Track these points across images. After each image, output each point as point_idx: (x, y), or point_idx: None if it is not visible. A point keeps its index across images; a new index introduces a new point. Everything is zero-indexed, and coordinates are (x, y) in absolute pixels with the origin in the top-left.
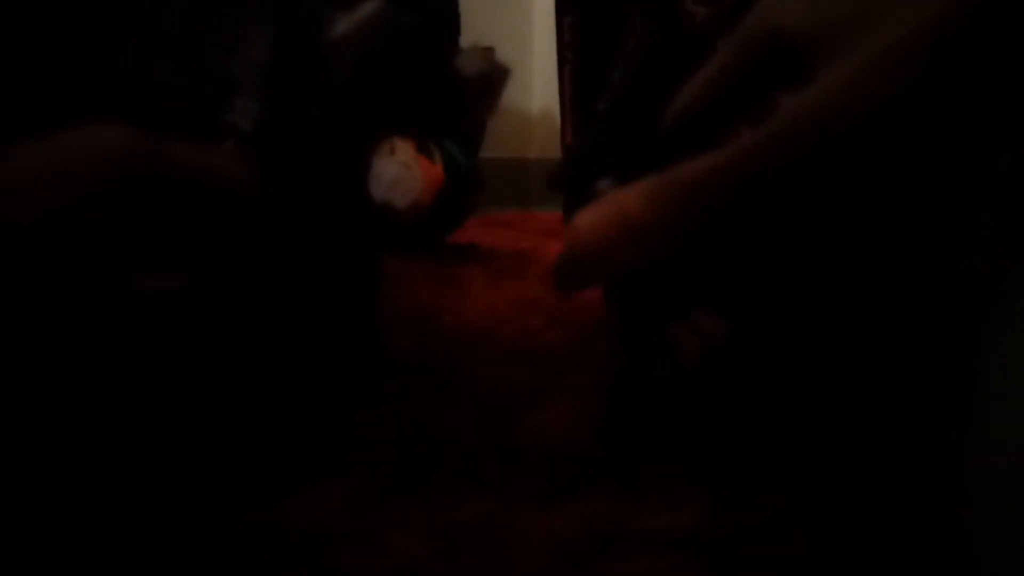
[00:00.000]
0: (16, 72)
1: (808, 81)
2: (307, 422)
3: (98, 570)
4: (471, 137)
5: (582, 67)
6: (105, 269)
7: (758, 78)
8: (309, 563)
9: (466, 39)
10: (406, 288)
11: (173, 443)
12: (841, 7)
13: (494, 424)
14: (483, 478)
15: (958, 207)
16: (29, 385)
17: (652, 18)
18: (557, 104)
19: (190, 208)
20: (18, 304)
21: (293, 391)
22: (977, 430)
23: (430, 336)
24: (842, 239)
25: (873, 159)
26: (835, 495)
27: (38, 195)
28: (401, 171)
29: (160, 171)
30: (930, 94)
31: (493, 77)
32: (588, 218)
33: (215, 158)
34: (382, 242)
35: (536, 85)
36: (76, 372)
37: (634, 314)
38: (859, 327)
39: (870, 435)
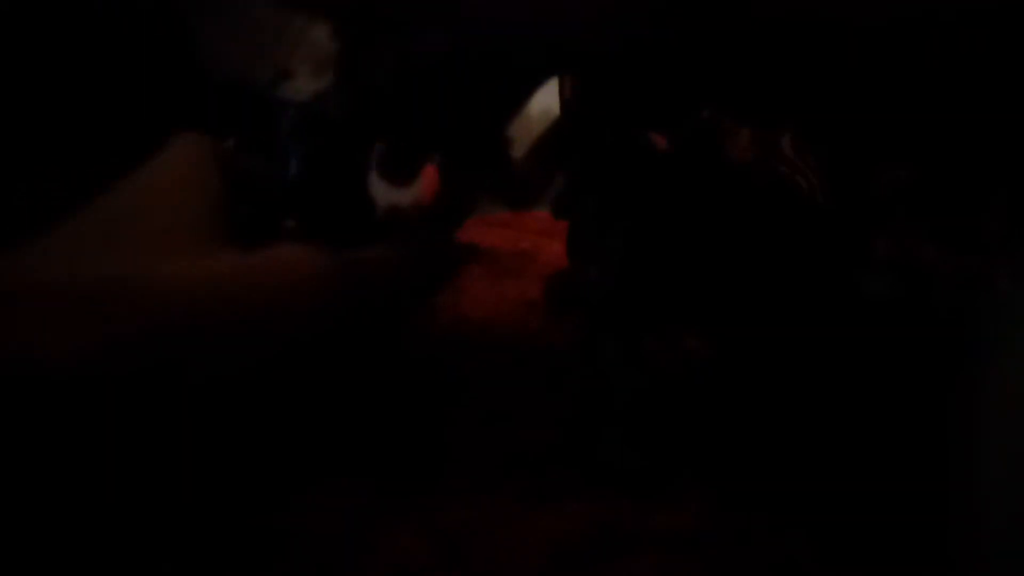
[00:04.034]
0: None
1: None
2: (307, 421)
3: (95, 569)
4: None
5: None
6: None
7: None
8: (309, 563)
9: None
10: None
11: (172, 442)
12: None
13: (494, 424)
14: (483, 478)
15: (958, 207)
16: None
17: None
18: (557, 104)
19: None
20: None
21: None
22: (978, 432)
23: (430, 335)
24: (838, 249)
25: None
26: (836, 496)
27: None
28: None
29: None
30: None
31: None
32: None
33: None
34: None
35: None
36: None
37: (604, 322)
38: (853, 339)
39: (864, 441)
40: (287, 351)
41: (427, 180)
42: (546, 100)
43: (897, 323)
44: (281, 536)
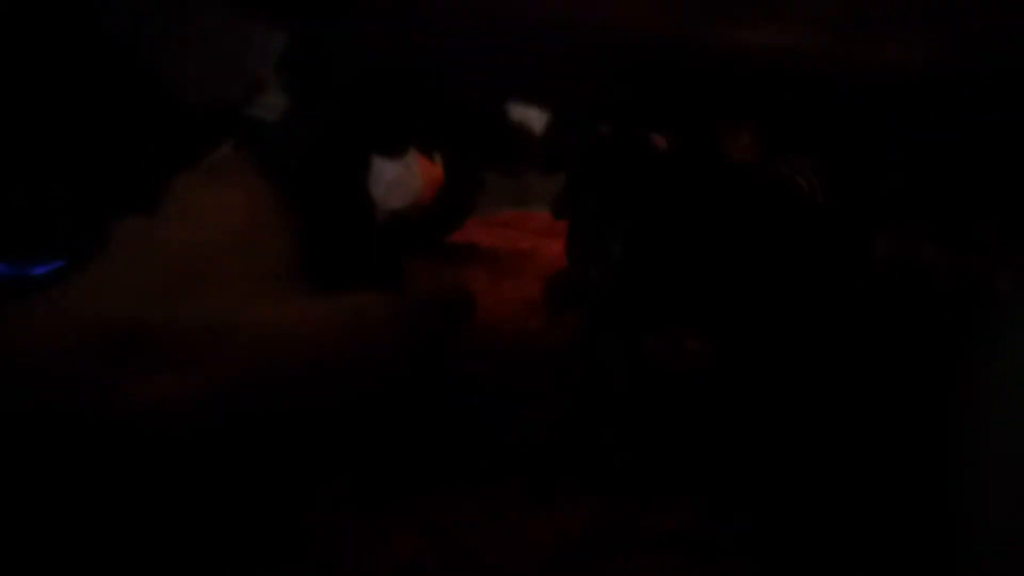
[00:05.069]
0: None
1: None
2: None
3: (95, 569)
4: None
5: None
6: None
7: None
8: (309, 563)
9: None
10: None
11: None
12: None
13: (494, 424)
14: (483, 478)
15: (958, 207)
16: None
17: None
18: None
19: None
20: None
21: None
22: (978, 432)
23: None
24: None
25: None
26: (835, 496)
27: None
28: (401, 171)
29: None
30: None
31: None
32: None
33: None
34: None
35: None
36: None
37: (604, 322)
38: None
39: (864, 441)
40: (358, 397)
41: (427, 180)
42: None
43: (897, 323)
44: (281, 536)
